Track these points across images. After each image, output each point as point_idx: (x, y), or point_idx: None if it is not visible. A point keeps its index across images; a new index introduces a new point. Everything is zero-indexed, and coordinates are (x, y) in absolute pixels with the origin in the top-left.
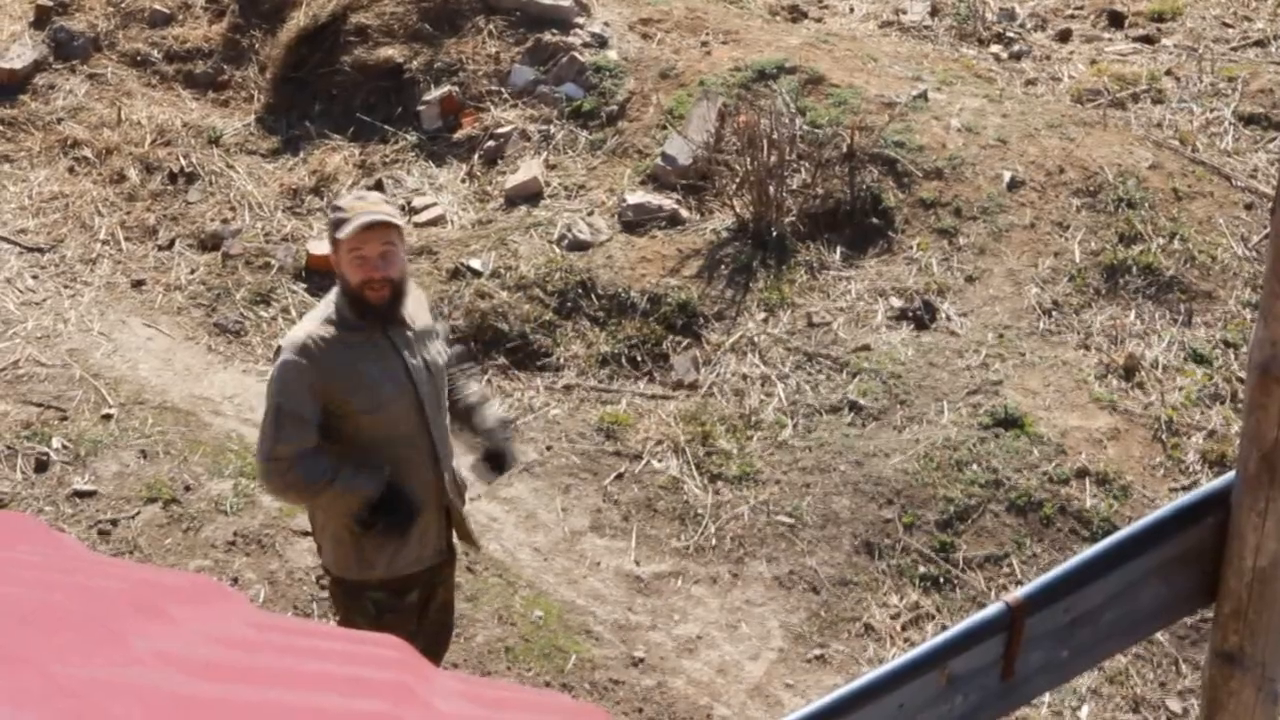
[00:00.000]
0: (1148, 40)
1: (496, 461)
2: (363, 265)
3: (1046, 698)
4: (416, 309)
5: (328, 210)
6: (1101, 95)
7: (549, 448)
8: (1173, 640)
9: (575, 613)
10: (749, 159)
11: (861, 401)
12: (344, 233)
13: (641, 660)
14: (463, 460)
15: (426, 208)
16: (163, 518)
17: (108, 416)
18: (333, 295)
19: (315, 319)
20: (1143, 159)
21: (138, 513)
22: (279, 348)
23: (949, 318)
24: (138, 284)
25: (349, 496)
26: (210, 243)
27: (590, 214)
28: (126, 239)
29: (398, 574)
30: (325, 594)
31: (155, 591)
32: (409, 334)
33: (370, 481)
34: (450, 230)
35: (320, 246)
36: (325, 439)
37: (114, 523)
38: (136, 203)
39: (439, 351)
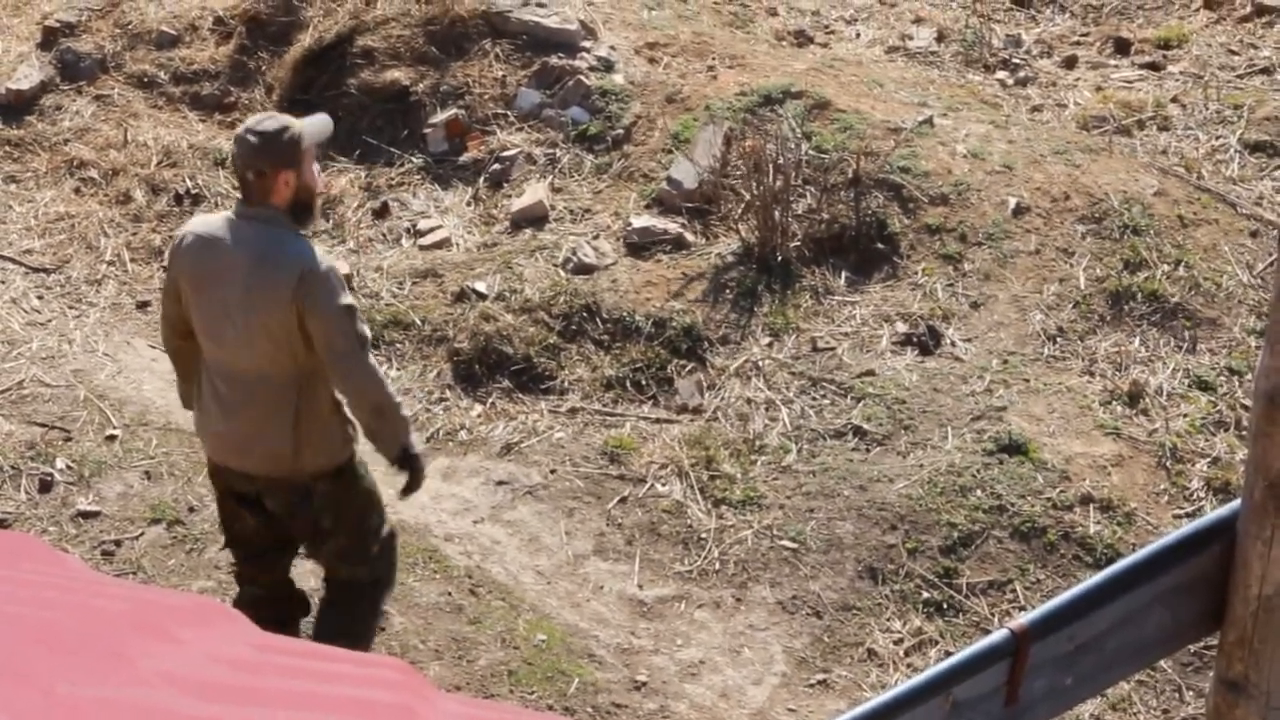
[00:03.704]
0: (1154, 67)
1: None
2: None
3: None
4: None
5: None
6: (1107, 122)
7: (553, 471)
8: (1176, 667)
9: (578, 636)
10: (754, 184)
11: (866, 427)
12: (313, 139)
13: (644, 684)
14: None
15: (432, 230)
16: (166, 539)
17: (112, 437)
18: (286, 227)
19: (303, 240)
20: (1148, 186)
21: (141, 533)
22: (307, 265)
23: (953, 343)
24: (143, 305)
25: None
26: None
27: (595, 237)
28: (132, 260)
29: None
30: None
31: (159, 612)
32: None
33: None
34: (455, 253)
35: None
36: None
37: (117, 543)
38: (142, 224)
39: None
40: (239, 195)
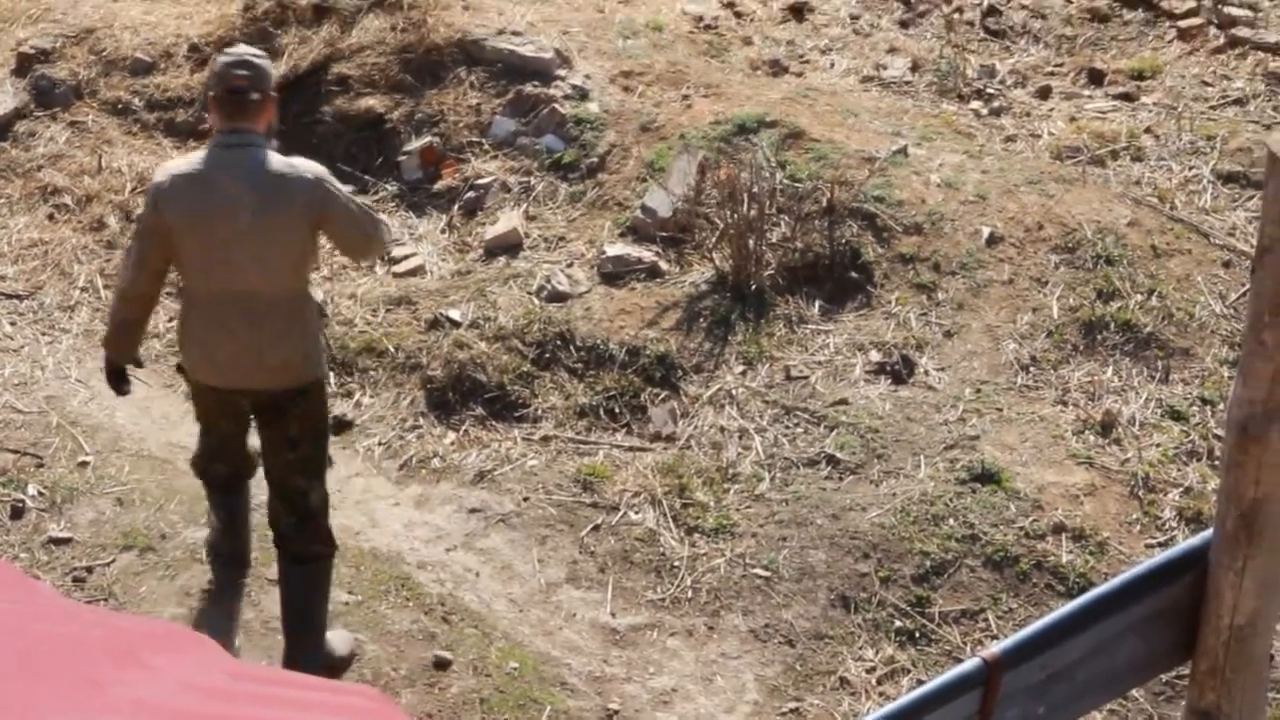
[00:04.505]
0: (1127, 98)
1: None
2: None
3: None
4: None
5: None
6: (1081, 152)
7: (526, 499)
8: (1148, 697)
9: (550, 664)
10: (729, 212)
11: (839, 455)
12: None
13: (616, 712)
14: None
15: (406, 258)
16: (138, 565)
17: (84, 464)
18: (272, 150)
19: (291, 155)
20: (1121, 216)
21: (113, 560)
22: (317, 175)
23: (927, 372)
24: None
25: None
26: None
27: (569, 265)
28: (105, 286)
29: None
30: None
31: (132, 639)
32: None
33: None
34: (429, 280)
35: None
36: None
37: (89, 570)
38: (116, 250)
39: None
40: (225, 125)
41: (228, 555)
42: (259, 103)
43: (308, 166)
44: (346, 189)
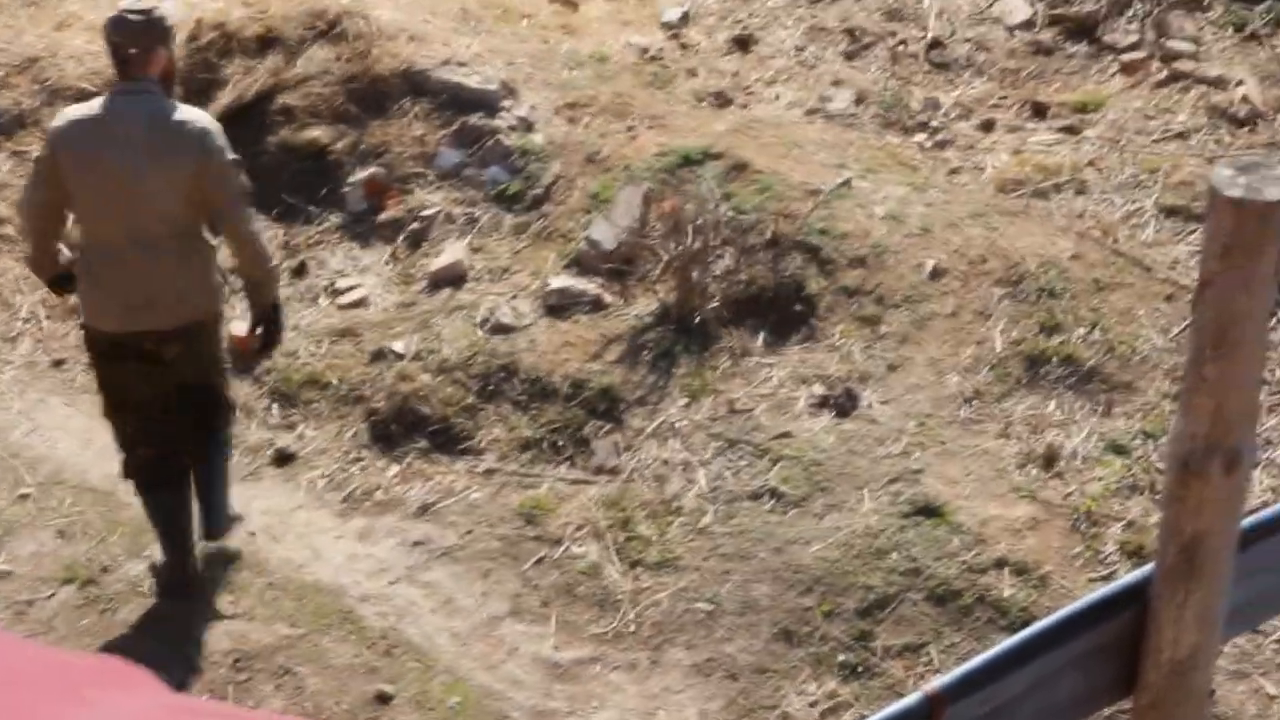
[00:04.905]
0: (1071, 131)
1: None
2: None
3: None
4: None
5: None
6: (1024, 185)
7: (469, 532)
8: None
9: (493, 698)
10: (673, 244)
11: (782, 489)
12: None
13: None
14: None
15: (350, 289)
16: (79, 599)
17: (25, 496)
18: (164, 96)
19: (184, 104)
20: (1064, 249)
21: (54, 594)
22: (207, 124)
23: (870, 406)
24: (58, 363)
25: None
26: None
27: (514, 298)
28: (47, 317)
29: None
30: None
31: (72, 675)
32: None
33: None
34: (373, 312)
35: (242, 328)
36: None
37: (29, 603)
38: None
39: None
40: (120, 78)
41: (173, 582)
42: (142, 56)
43: (201, 115)
44: (234, 156)
